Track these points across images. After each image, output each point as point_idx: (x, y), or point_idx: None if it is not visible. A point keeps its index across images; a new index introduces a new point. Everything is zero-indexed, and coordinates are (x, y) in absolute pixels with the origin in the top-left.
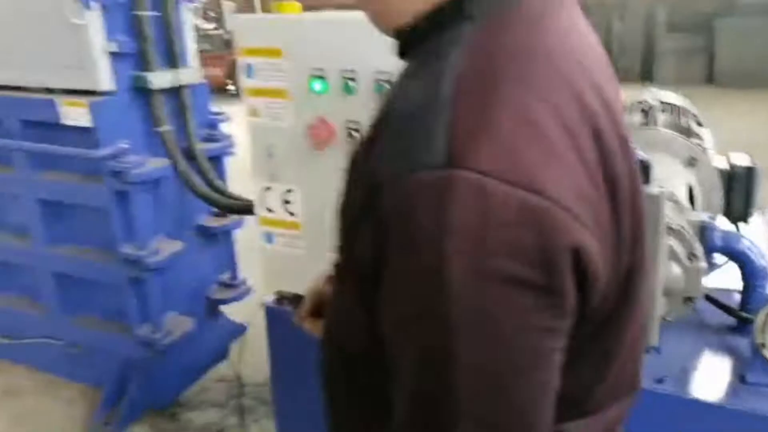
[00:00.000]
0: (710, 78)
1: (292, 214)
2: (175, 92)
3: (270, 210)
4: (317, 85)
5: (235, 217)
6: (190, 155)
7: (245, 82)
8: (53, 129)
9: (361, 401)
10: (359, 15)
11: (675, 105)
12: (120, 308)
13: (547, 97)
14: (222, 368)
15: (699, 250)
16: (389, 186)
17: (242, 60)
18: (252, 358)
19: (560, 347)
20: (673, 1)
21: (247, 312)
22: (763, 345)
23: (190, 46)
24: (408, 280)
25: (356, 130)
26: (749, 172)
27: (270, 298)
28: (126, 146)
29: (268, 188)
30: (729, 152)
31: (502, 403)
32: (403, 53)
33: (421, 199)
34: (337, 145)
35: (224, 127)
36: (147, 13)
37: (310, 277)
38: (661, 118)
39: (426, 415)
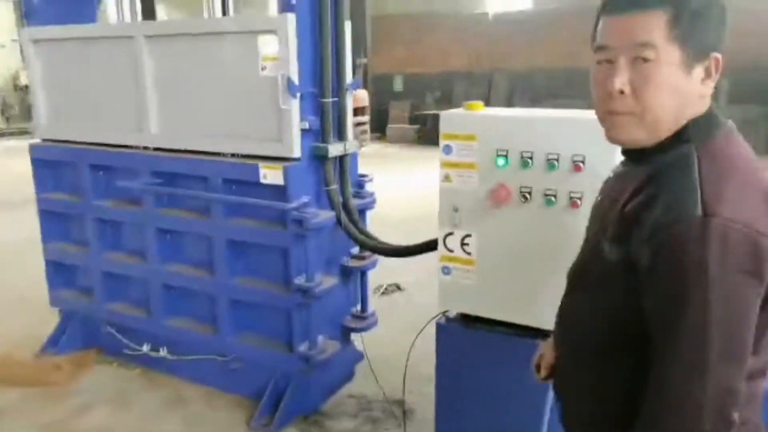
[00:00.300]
0: None
1: (468, 253)
2: (338, 159)
3: (450, 250)
4: (501, 161)
5: (369, 259)
6: (345, 208)
7: (443, 158)
8: (249, 186)
9: (610, 358)
10: (535, 113)
11: None
12: (282, 329)
13: (747, 185)
14: (350, 387)
15: None
16: (673, 226)
17: (443, 142)
18: (375, 379)
19: (756, 312)
20: (736, 73)
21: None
22: None
23: (351, 122)
24: (682, 273)
25: (529, 194)
26: None
27: (443, 318)
28: (307, 200)
29: (450, 234)
30: None
31: (728, 335)
32: (633, 159)
33: (693, 229)
34: (511, 204)
35: (368, 186)
36: (329, 100)
37: (479, 301)
38: None
39: (700, 345)
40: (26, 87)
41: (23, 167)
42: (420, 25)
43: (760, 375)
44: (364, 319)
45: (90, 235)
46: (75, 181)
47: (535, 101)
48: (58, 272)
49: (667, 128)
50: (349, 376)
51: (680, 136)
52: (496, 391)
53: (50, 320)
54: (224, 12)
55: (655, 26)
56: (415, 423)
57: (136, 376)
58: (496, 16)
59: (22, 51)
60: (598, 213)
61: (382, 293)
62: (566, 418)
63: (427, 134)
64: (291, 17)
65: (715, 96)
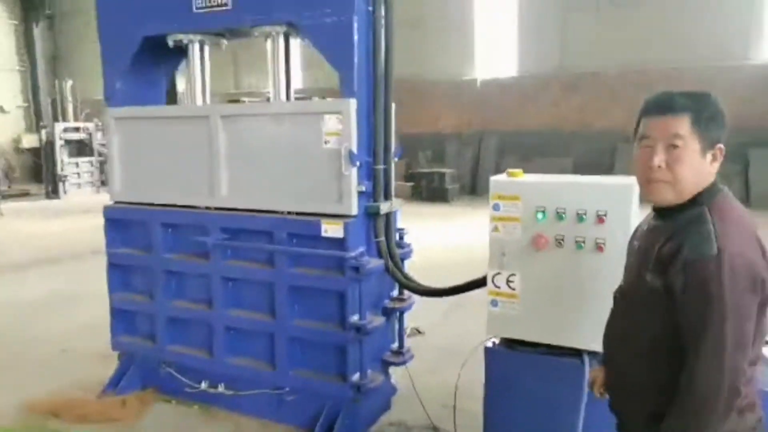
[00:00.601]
0: (747, 200)
1: (513, 289)
2: (385, 215)
3: (497, 286)
4: (539, 215)
5: (407, 302)
6: (391, 257)
7: (493, 213)
8: (310, 240)
9: (652, 356)
10: (565, 178)
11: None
12: (335, 363)
13: (743, 230)
14: (388, 416)
15: None
16: (698, 262)
17: (492, 201)
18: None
19: (755, 314)
20: None
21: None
22: None
23: (394, 185)
24: (706, 292)
25: (562, 240)
26: None
27: (490, 343)
28: (362, 250)
29: (498, 273)
30: None
31: (738, 332)
32: (662, 215)
33: (713, 263)
34: (548, 249)
35: (406, 238)
36: (381, 167)
37: (522, 328)
38: None
39: (726, 344)
40: (28, 150)
41: (29, 228)
42: (414, 89)
43: (754, 362)
44: (402, 355)
45: (157, 285)
46: (144, 238)
47: (524, 159)
48: (121, 319)
49: (689, 193)
50: (386, 406)
51: (695, 201)
52: (536, 403)
53: (96, 367)
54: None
55: (682, 125)
56: None
57: (194, 412)
58: (484, 82)
59: (24, 116)
60: (639, 252)
61: (408, 335)
62: (616, 397)
63: (420, 191)
64: (353, 101)
65: None
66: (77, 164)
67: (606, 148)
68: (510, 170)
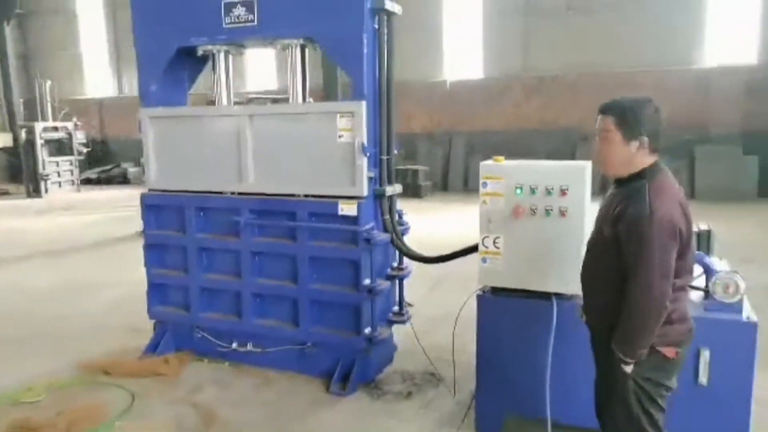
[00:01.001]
0: (692, 193)
1: (497, 249)
2: (389, 197)
3: (486, 247)
4: (518, 191)
5: (406, 270)
6: (394, 231)
7: (482, 190)
8: (328, 217)
9: (609, 285)
10: (537, 163)
11: None
12: (350, 320)
13: (673, 197)
14: (392, 367)
15: None
16: (636, 219)
17: (482, 180)
18: (410, 360)
19: (675, 254)
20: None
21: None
22: (714, 293)
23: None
24: (642, 238)
25: (535, 210)
26: (707, 233)
27: (481, 291)
28: (373, 225)
29: (487, 237)
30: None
31: (662, 267)
32: (618, 185)
33: (645, 220)
34: (525, 217)
35: (405, 217)
36: (385, 157)
37: (505, 278)
38: None
39: (653, 276)
40: (1, 150)
41: (21, 225)
42: None
43: (682, 288)
44: (402, 315)
45: (192, 260)
46: (178, 220)
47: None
48: (157, 292)
49: (623, 171)
50: (390, 360)
51: (640, 175)
52: (517, 337)
53: (128, 338)
54: (304, 97)
55: (609, 122)
56: (448, 382)
57: (226, 368)
58: (452, 84)
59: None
60: (601, 212)
61: None
62: (588, 315)
63: None
64: (363, 103)
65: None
66: (57, 163)
67: (566, 145)
68: (495, 157)
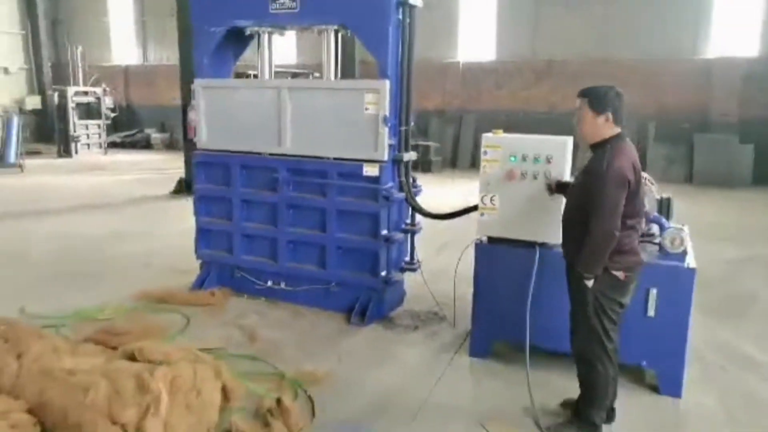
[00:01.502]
0: (690, 179)
1: (494, 205)
2: (405, 162)
3: (484, 204)
4: (512, 158)
5: (417, 226)
6: (409, 192)
7: (484, 157)
8: (354, 177)
9: (579, 224)
10: (529, 136)
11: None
12: (369, 264)
13: (627, 157)
14: (402, 308)
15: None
16: (597, 171)
17: (484, 149)
18: (418, 303)
19: (624, 198)
20: (661, 118)
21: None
22: (662, 245)
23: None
24: (600, 184)
25: (525, 174)
26: (667, 200)
27: (479, 240)
28: (391, 185)
29: (485, 195)
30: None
31: (613, 206)
32: (592, 150)
33: (604, 174)
34: (516, 180)
35: (418, 181)
36: (404, 128)
37: (500, 229)
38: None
39: (606, 212)
40: (31, 112)
41: (56, 182)
42: None
43: (633, 227)
44: (413, 264)
45: (235, 210)
46: (225, 176)
47: None
48: (204, 237)
49: (593, 139)
50: (401, 301)
51: (605, 142)
52: (507, 277)
53: (175, 277)
54: (336, 74)
55: (583, 102)
56: (449, 320)
57: (262, 302)
58: (465, 65)
59: (27, 79)
60: (579, 170)
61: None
62: (564, 248)
63: None
64: (387, 82)
65: (645, 135)
66: (87, 126)
67: (568, 128)
68: (494, 130)
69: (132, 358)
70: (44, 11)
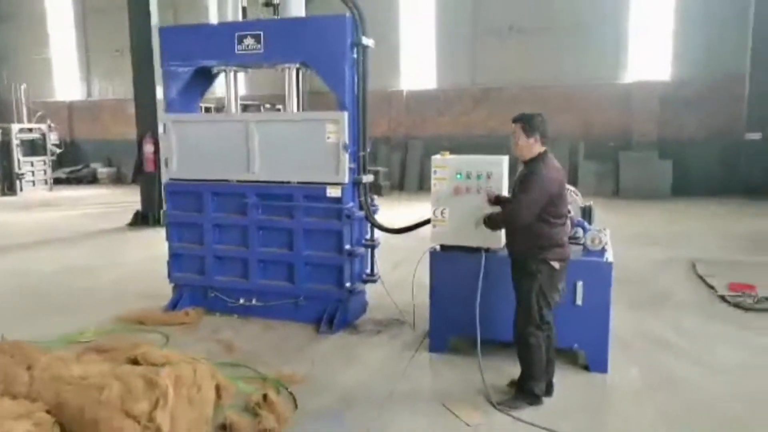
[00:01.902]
0: (617, 192)
1: (444, 217)
2: (364, 184)
3: (436, 216)
4: (458, 176)
5: (376, 241)
6: (368, 210)
7: (434, 176)
8: (318, 199)
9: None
10: (472, 157)
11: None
12: (334, 277)
13: (553, 169)
14: (365, 316)
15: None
16: (526, 178)
17: (434, 168)
18: (379, 311)
19: (543, 200)
20: (589, 138)
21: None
22: (585, 244)
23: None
24: (529, 183)
25: (468, 189)
26: (589, 207)
27: (433, 249)
28: (352, 204)
29: (436, 209)
30: (584, 200)
31: (532, 201)
32: (525, 164)
33: (532, 176)
34: (462, 194)
35: (376, 201)
36: (362, 153)
37: (449, 238)
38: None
39: (524, 203)
40: None
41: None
42: None
43: (560, 225)
44: (373, 276)
45: (207, 234)
46: (196, 203)
47: None
48: (177, 261)
49: (527, 156)
50: (364, 310)
51: (535, 158)
52: (457, 281)
53: (147, 301)
54: (299, 107)
55: (518, 127)
56: (409, 324)
57: (235, 319)
58: (409, 93)
59: None
60: (515, 182)
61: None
62: (509, 247)
63: None
64: (345, 114)
65: (576, 154)
66: (32, 163)
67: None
68: (442, 152)
69: (135, 362)
70: None
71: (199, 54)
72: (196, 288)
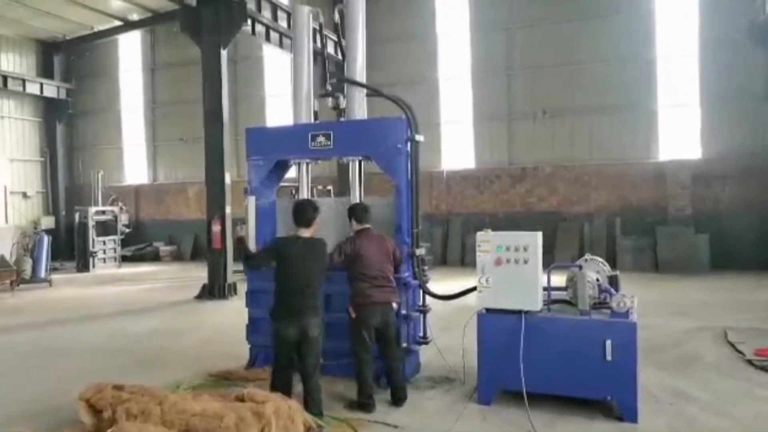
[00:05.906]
0: (656, 267)
1: (488, 284)
2: (418, 256)
3: (481, 283)
4: (500, 249)
5: (428, 307)
6: (422, 279)
7: (479, 248)
8: None
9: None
10: (511, 233)
11: (597, 259)
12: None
13: (359, 240)
14: (419, 375)
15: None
16: (338, 244)
17: (478, 243)
18: (432, 371)
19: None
20: (625, 213)
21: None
22: (612, 308)
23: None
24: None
25: (509, 260)
26: (615, 276)
27: (480, 311)
28: (408, 274)
29: (482, 277)
30: (613, 270)
31: (332, 259)
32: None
33: (338, 245)
34: (503, 265)
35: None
36: (416, 230)
37: (493, 301)
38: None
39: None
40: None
41: (84, 293)
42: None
43: (360, 280)
44: (427, 338)
45: None
46: (270, 273)
47: None
48: (256, 325)
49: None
50: (418, 370)
51: (355, 233)
52: (501, 339)
53: (228, 361)
54: (361, 195)
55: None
56: (460, 379)
57: None
58: (449, 173)
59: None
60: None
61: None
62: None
63: None
64: (404, 200)
65: (613, 229)
66: (104, 242)
67: (546, 225)
68: (485, 229)
69: (241, 400)
70: (62, 140)
71: (279, 149)
72: (270, 348)
